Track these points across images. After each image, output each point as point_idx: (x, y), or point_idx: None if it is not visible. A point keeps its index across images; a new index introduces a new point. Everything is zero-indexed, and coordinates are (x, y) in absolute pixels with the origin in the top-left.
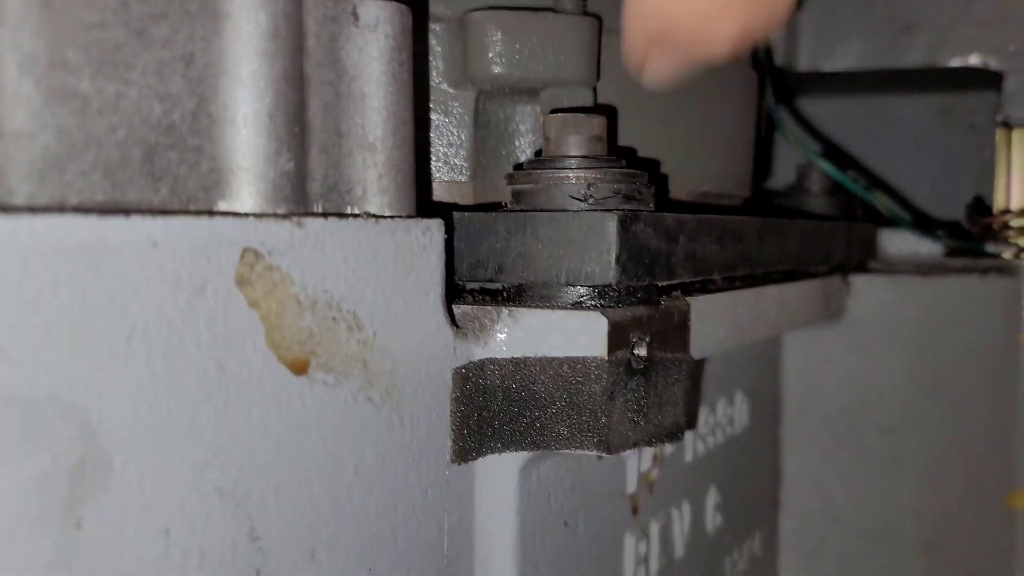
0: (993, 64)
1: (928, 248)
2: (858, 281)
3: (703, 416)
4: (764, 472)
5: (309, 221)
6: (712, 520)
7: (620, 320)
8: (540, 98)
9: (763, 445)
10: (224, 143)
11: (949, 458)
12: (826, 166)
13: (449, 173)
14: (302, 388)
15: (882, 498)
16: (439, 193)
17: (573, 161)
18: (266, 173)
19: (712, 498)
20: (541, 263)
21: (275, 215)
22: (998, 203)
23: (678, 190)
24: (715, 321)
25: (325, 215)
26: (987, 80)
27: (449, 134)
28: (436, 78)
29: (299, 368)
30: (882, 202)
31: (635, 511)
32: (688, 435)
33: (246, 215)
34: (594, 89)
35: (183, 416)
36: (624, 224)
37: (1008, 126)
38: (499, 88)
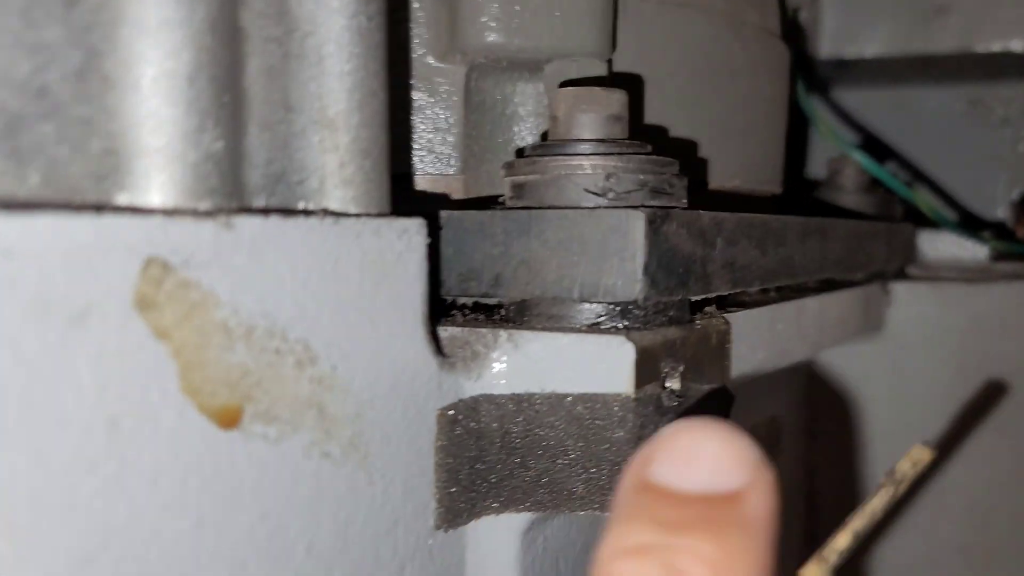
0: None
1: (971, 251)
2: (899, 289)
3: None
4: (797, 502)
5: (242, 220)
6: None
7: (650, 346)
8: (544, 74)
9: (796, 472)
10: (124, 115)
11: (998, 488)
12: (863, 159)
13: (435, 164)
14: (233, 446)
15: (925, 533)
16: (422, 188)
17: (588, 146)
18: (184, 156)
19: None
20: (549, 274)
21: (194, 212)
22: None
23: (711, 182)
24: (754, 341)
25: (266, 212)
26: (1019, 68)
27: (434, 117)
28: (419, 49)
29: (228, 419)
30: (924, 200)
31: None
32: None
33: (151, 212)
34: (608, 62)
35: (55, 497)
36: (653, 224)
37: None
38: (494, 61)
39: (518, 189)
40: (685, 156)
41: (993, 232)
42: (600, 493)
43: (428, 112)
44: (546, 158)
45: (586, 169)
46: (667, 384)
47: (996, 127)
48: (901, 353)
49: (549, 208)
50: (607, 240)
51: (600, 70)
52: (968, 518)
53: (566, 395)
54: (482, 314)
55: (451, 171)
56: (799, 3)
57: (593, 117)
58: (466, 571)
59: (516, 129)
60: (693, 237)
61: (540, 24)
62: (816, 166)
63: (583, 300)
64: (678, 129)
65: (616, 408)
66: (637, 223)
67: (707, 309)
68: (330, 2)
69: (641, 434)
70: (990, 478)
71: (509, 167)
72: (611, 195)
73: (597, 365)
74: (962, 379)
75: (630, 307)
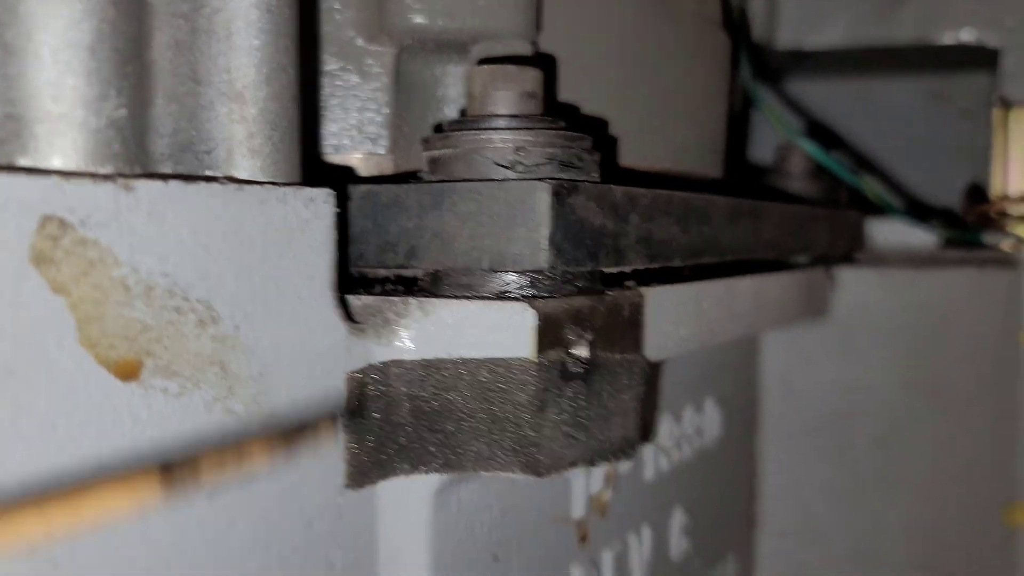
0: (989, 40)
1: (920, 239)
2: (844, 274)
3: (666, 427)
4: (739, 488)
5: (141, 184)
6: (677, 545)
7: (553, 313)
8: (470, 55)
9: (739, 458)
10: (26, 82)
11: (944, 470)
12: (808, 146)
13: (364, 143)
14: (132, 398)
15: (870, 516)
16: (354, 167)
17: (500, 121)
18: (85, 122)
19: (678, 520)
20: (460, 245)
21: (93, 175)
22: (995, 189)
23: (637, 162)
24: (677, 317)
25: (165, 177)
26: (981, 60)
27: (364, 98)
28: (348, 31)
29: (127, 372)
30: (870, 187)
31: (583, 539)
32: (648, 449)
33: (47, 172)
34: (534, 44)
35: None
36: (559, 196)
37: (1006, 105)
38: (422, 43)
39: (433, 164)
40: (612, 136)
41: (943, 220)
42: (504, 453)
43: (358, 92)
44: (459, 133)
45: (496, 143)
46: (573, 351)
47: (957, 119)
48: (847, 338)
49: (460, 181)
50: (514, 211)
51: (525, 50)
52: (914, 503)
53: (472, 360)
54: (402, 286)
55: (380, 151)
56: None
57: (506, 94)
58: (378, 531)
59: (445, 110)
60: (604, 210)
61: (464, 6)
62: (765, 154)
63: (493, 270)
64: (607, 110)
65: (518, 372)
66: (543, 194)
67: (626, 283)
68: None
69: (543, 397)
70: (936, 460)
71: (425, 142)
72: (520, 168)
73: (501, 331)
74: (908, 363)
75: (537, 276)
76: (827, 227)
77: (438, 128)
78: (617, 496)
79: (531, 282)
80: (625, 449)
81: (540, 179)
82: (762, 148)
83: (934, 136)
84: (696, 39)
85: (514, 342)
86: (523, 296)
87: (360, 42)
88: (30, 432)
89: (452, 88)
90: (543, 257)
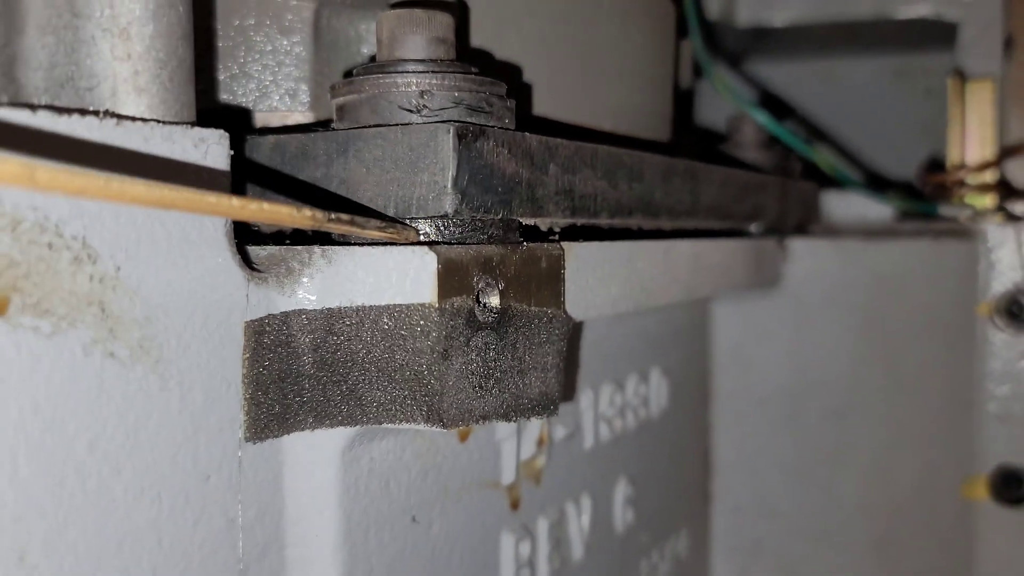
0: (947, 14)
1: (877, 211)
2: (796, 245)
3: (608, 395)
4: (691, 462)
5: (5, 112)
6: (622, 517)
7: (457, 258)
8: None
9: (689, 431)
10: None
11: (900, 444)
12: (759, 115)
13: (284, 100)
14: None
15: (826, 490)
16: (274, 124)
17: (408, 65)
18: None
19: (622, 491)
20: (366, 192)
21: None
22: (953, 160)
23: (567, 115)
24: (605, 274)
25: (32, 107)
26: (943, 38)
27: (282, 53)
28: None
29: None
30: (823, 158)
31: (515, 506)
32: (588, 417)
33: None
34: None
35: None
36: (463, 138)
37: (962, 78)
38: None
39: (340, 111)
40: (518, 76)
41: (900, 191)
42: (406, 403)
43: (277, 49)
44: (363, 78)
45: (400, 87)
46: (482, 299)
47: (920, 97)
48: (800, 309)
49: (364, 128)
50: (417, 156)
51: (450, 5)
52: (869, 477)
53: (373, 307)
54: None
55: (302, 108)
56: None
57: (414, 38)
58: (284, 488)
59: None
60: (517, 158)
61: None
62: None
63: (398, 217)
64: (537, 67)
65: (419, 318)
66: (445, 137)
67: (551, 237)
68: None
69: (448, 344)
70: (892, 434)
71: (332, 89)
72: (425, 112)
73: (403, 277)
74: (863, 336)
75: (443, 222)
76: (777, 196)
77: (347, 75)
78: (553, 463)
79: (439, 229)
80: (545, 405)
81: (444, 122)
82: (719, 121)
83: (898, 114)
84: (633, 4)
85: (415, 288)
86: (427, 242)
87: None
88: None
89: (373, 43)
90: (447, 202)
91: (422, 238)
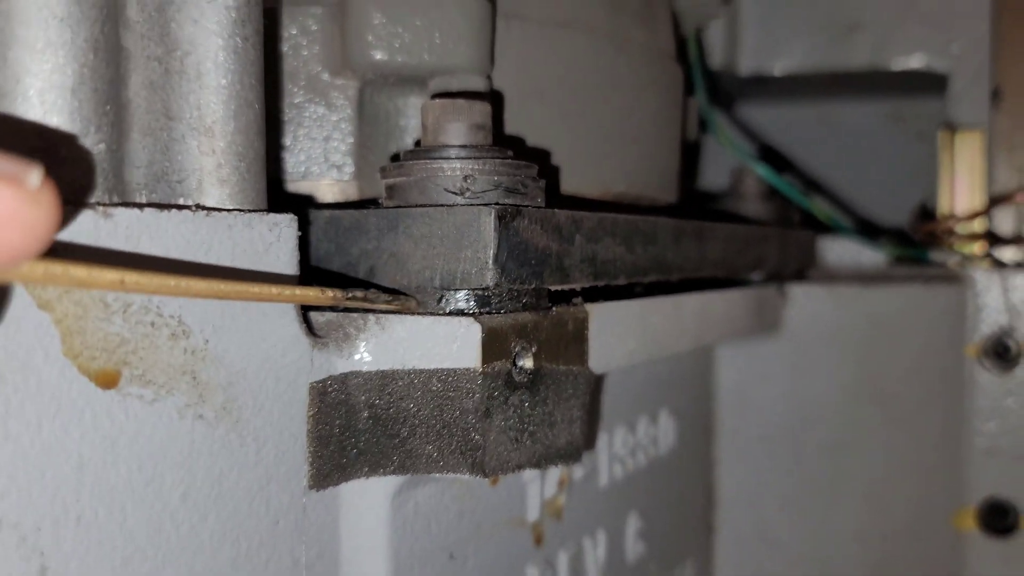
0: (938, 66)
1: (871, 257)
2: (795, 291)
3: (620, 437)
4: (696, 495)
5: (119, 211)
6: (633, 548)
7: (498, 327)
8: (429, 88)
9: (695, 466)
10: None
11: (894, 477)
12: (760, 168)
13: (330, 171)
14: (111, 403)
15: (823, 521)
16: (321, 193)
17: (451, 151)
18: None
19: (633, 524)
20: (414, 265)
21: (74, 203)
22: (943, 208)
23: (589, 189)
24: (623, 331)
25: (140, 206)
26: (935, 84)
27: (330, 127)
28: (315, 66)
29: (107, 381)
30: (820, 208)
31: (538, 541)
32: (603, 458)
33: None
34: (488, 77)
35: None
36: (503, 219)
37: (951, 129)
38: (383, 77)
39: (390, 190)
40: (556, 165)
41: (891, 238)
42: (452, 455)
43: (324, 123)
44: (413, 162)
45: (446, 171)
46: (518, 362)
47: (914, 141)
48: (798, 351)
49: (414, 207)
50: (462, 234)
51: (480, 84)
52: (865, 508)
53: (424, 371)
54: None
55: (346, 178)
56: (702, 22)
57: (458, 126)
58: (340, 529)
59: (407, 138)
60: (548, 232)
61: (421, 43)
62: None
63: (444, 288)
64: (557, 139)
65: (465, 381)
66: (487, 218)
67: (574, 300)
68: (208, 25)
69: (489, 404)
70: (886, 468)
71: (383, 171)
72: (468, 194)
73: (450, 344)
74: (858, 375)
75: (485, 293)
76: (777, 246)
77: (395, 158)
78: (572, 501)
79: (480, 299)
80: (571, 453)
81: (486, 204)
82: (723, 173)
83: (892, 157)
84: (646, 70)
85: (461, 354)
86: (471, 312)
87: (326, 76)
88: (18, 432)
89: (413, 119)
90: (489, 276)
91: (466, 308)
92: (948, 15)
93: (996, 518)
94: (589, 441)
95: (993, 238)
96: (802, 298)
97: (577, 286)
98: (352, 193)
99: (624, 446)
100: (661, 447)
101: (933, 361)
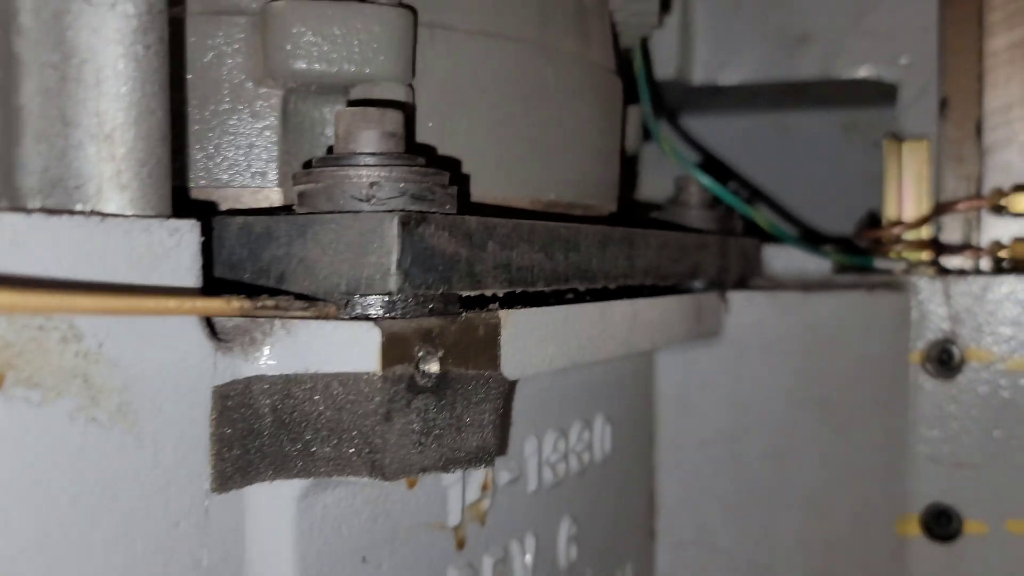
0: (887, 76)
1: (818, 266)
2: (736, 298)
3: (551, 442)
4: (636, 501)
5: (7, 216)
6: (566, 553)
7: (399, 332)
8: (351, 96)
9: (634, 472)
10: None
11: (836, 484)
12: (701, 176)
13: (254, 178)
14: None
15: (765, 527)
16: (245, 200)
17: (360, 158)
18: None
19: (565, 530)
20: (322, 271)
21: None
22: (888, 215)
23: (517, 198)
24: (542, 336)
25: (28, 211)
26: (888, 95)
27: (254, 135)
28: (240, 75)
29: None
30: (762, 216)
31: (460, 545)
32: (532, 463)
33: None
34: (410, 86)
35: None
36: (406, 225)
37: (898, 139)
38: (306, 86)
39: (301, 197)
40: (458, 168)
41: (837, 246)
42: (353, 459)
43: (250, 131)
44: (322, 169)
45: (353, 179)
46: (422, 367)
47: (869, 150)
48: (740, 357)
49: (321, 213)
50: (366, 240)
51: (401, 93)
52: (807, 514)
53: (325, 375)
54: None
55: (270, 185)
56: (643, 33)
57: (368, 134)
58: (246, 532)
59: (330, 147)
60: (457, 238)
61: (341, 53)
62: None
63: (350, 293)
64: (485, 146)
65: (365, 385)
66: (390, 224)
67: (490, 306)
68: (108, 33)
69: (390, 408)
70: (829, 474)
71: (295, 178)
72: (374, 201)
73: (350, 348)
74: (800, 382)
75: (389, 299)
76: (717, 254)
77: (307, 165)
78: (497, 506)
79: (385, 304)
80: (482, 457)
81: (390, 211)
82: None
83: (847, 167)
84: (578, 80)
85: (361, 358)
86: (376, 317)
87: (250, 85)
88: None
89: (334, 127)
90: (392, 281)
91: (372, 313)
92: (897, 26)
93: (939, 524)
94: (503, 445)
95: (939, 246)
96: (743, 305)
97: (490, 292)
98: (276, 200)
99: (555, 451)
100: (596, 453)
101: (876, 368)
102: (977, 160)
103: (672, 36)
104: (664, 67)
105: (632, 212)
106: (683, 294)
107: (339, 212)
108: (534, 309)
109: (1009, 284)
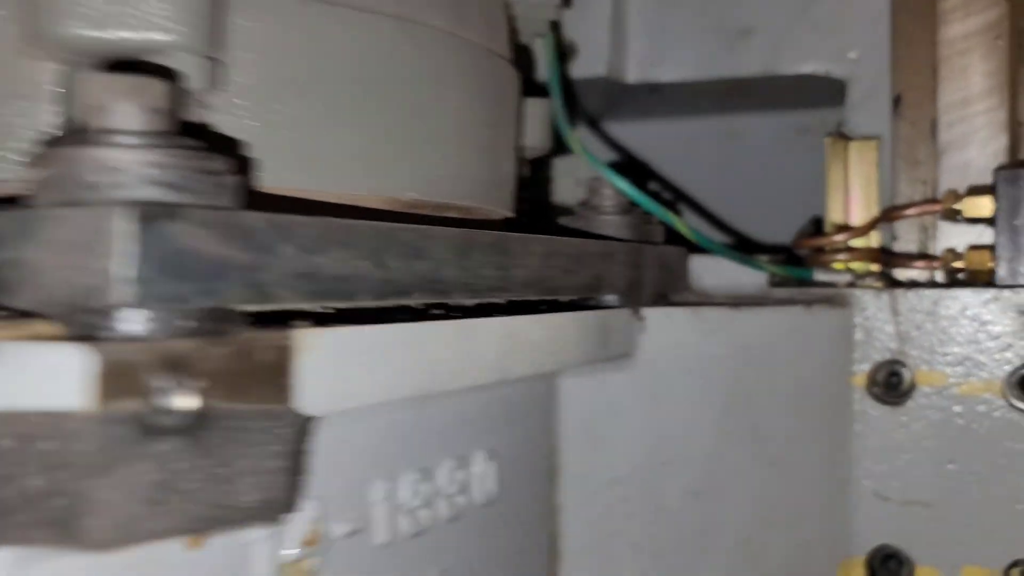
0: (835, 72)
1: (753, 278)
2: (653, 314)
3: (410, 485)
4: (531, 547)
5: None
6: None
7: (127, 358)
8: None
9: (529, 515)
10: None
11: (770, 525)
12: (613, 178)
13: (18, 169)
14: None
15: (692, 568)
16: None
17: (102, 136)
18: None
19: None
20: (48, 278)
21: None
22: (831, 221)
23: (364, 195)
24: (368, 362)
25: None
26: (841, 92)
27: (23, 117)
28: (7, 48)
29: None
30: (682, 223)
31: None
32: (379, 511)
33: None
34: (211, 59)
35: None
36: (148, 220)
37: (845, 138)
38: (83, 57)
39: (39, 186)
40: (325, 164)
41: (773, 256)
42: (52, 524)
43: (21, 114)
44: (55, 150)
45: (88, 162)
46: (166, 401)
47: (822, 154)
48: (658, 382)
49: (43, 207)
50: (94, 240)
51: (205, 67)
52: (736, 560)
53: (22, 413)
54: None
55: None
56: (541, 26)
57: (122, 107)
58: None
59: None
60: (229, 240)
61: (121, 17)
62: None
63: (76, 308)
64: (319, 135)
65: (73, 427)
66: (122, 219)
67: (296, 323)
68: None
69: (114, 454)
70: (762, 514)
71: (31, 161)
72: (112, 191)
73: (55, 378)
74: (728, 410)
75: (123, 314)
76: (628, 264)
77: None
78: (332, 563)
79: (120, 320)
80: (267, 512)
81: (123, 202)
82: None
83: (799, 171)
84: (451, 63)
85: (68, 391)
86: (101, 337)
87: (22, 61)
88: None
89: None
90: (127, 292)
91: (89, 333)
92: (845, 18)
93: (887, 570)
94: (295, 496)
95: (888, 255)
96: (662, 323)
97: (289, 307)
98: None
99: (417, 495)
100: (476, 495)
101: (816, 393)
102: (933, 161)
103: (602, 29)
104: (593, 64)
105: (543, 220)
106: (584, 311)
107: (62, 205)
108: (352, 328)
109: (964, 298)
